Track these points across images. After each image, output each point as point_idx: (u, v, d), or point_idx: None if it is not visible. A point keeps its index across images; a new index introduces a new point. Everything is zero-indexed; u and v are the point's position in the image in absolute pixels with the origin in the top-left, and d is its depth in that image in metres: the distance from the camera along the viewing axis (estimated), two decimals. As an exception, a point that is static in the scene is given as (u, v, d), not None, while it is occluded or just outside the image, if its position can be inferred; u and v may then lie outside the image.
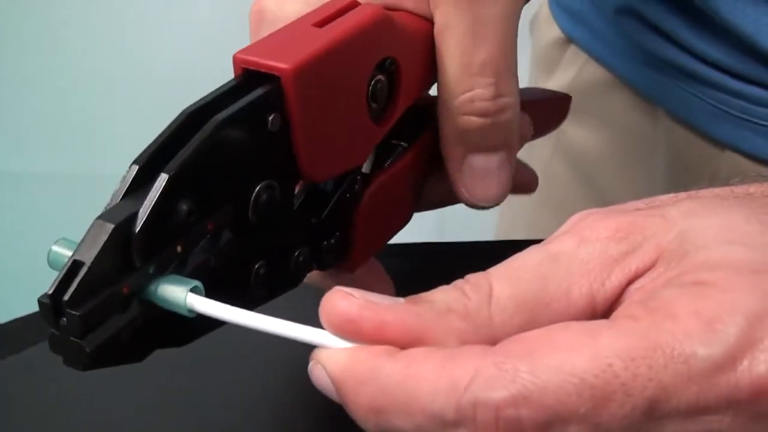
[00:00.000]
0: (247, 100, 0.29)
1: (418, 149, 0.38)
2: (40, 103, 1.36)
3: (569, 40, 0.61)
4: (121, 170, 0.27)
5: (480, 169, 0.36)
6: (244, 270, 0.31)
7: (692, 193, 0.29)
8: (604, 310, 0.26)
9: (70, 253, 0.26)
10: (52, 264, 0.26)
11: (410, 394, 0.24)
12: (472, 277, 0.27)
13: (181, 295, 0.27)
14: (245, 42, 0.32)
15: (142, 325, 0.27)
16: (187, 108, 0.28)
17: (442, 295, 0.27)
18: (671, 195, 0.29)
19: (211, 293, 0.27)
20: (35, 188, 1.39)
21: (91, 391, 0.37)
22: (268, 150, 0.30)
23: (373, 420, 0.25)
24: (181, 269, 0.28)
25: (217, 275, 0.29)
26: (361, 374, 0.25)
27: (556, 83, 0.62)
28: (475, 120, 0.35)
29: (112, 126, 1.33)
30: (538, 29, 0.65)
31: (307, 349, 0.27)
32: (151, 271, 0.27)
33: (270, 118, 0.29)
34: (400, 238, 0.45)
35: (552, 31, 0.62)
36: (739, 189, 0.29)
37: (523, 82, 0.66)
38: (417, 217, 0.43)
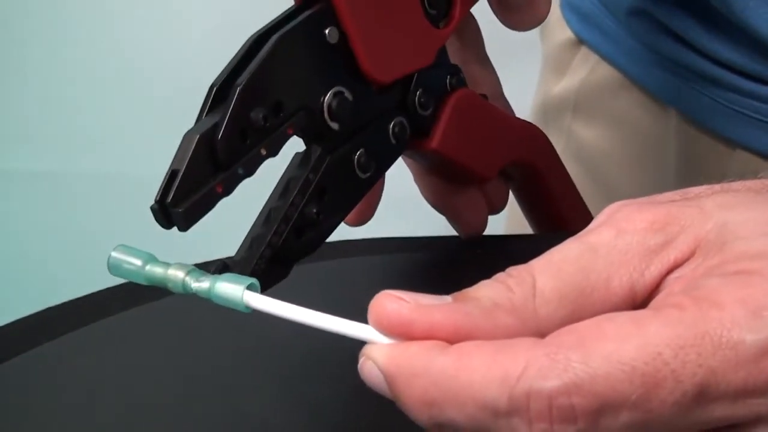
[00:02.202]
0: (302, 17, 0.33)
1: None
2: (42, 101, 1.36)
3: (580, 41, 0.61)
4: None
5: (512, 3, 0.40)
6: (346, 164, 0.35)
7: (725, 185, 0.30)
8: (643, 299, 0.27)
9: (129, 258, 0.29)
10: (112, 269, 0.29)
11: (463, 386, 0.25)
12: (514, 270, 0.27)
13: (238, 292, 0.27)
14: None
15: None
16: (253, 34, 0.33)
17: (486, 290, 0.27)
18: (705, 187, 0.30)
19: (325, 197, 0.34)
20: (34, 187, 1.38)
21: (92, 394, 0.37)
22: (331, 59, 0.34)
23: (427, 412, 0.25)
24: (285, 193, 0.33)
25: (321, 184, 0.34)
26: (414, 368, 0.25)
27: (567, 84, 0.62)
28: None
29: (113, 126, 1.32)
30: (548, 31, 0.65)
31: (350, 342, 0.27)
32: (240, 171, 0.31)
33: (327, 32, 0.34)
34: (413, 231, 0.46)
35: (563, 33, 0.62)
36: None
37: (534, 83, 0.67)
38: (429, 211, 0.44)
